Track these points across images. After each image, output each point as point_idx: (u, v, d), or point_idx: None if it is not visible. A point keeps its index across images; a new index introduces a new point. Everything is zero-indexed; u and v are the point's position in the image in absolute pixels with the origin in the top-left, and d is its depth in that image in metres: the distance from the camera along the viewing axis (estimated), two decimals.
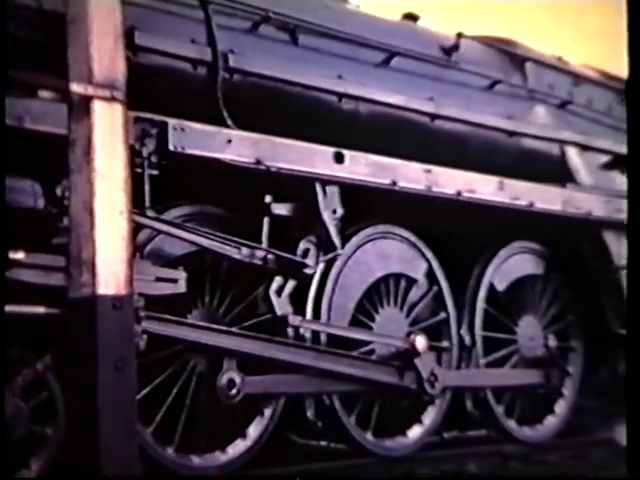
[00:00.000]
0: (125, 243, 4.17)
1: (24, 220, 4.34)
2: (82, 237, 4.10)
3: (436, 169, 6.19)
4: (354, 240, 6.10)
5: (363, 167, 5.81)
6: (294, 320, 5.62)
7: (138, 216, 4.76)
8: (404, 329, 6.26)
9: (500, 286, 6.96)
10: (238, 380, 5.28)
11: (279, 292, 5.60)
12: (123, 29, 4.36)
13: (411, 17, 7.19)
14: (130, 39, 4.88)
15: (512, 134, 6.98)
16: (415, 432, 6.36)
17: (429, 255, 6.52)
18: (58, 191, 4.46)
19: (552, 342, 7.19)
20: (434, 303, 6.58)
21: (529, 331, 7.09)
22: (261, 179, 5.41)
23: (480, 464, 6.41)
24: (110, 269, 4.11)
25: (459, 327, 6.67)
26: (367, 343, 6.03)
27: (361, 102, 6.10)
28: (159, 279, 4.92)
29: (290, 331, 5.63)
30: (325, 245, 5.73)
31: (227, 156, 5.20)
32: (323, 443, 6.63)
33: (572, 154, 7.41)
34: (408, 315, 6.35)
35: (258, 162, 5.31)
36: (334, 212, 5.72)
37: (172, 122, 4.99)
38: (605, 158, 7.70)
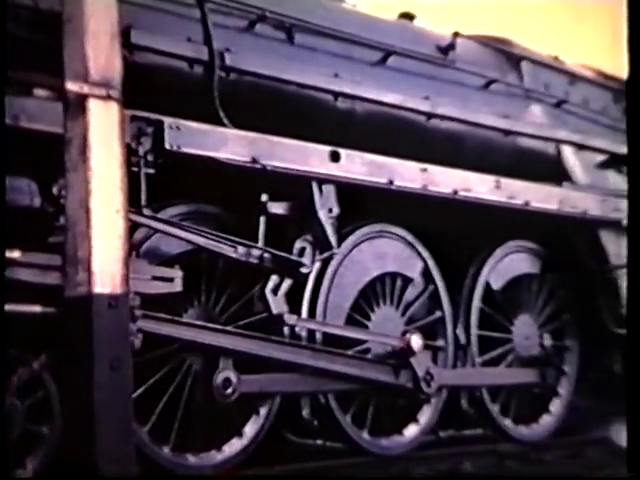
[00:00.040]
0: (121, 242, 4.17)
1: (20, 219, 4.33)
2: (78, 236, 4.10)
3: (432, 168, 6.19)
4: (350, 239, 6.10)
5: (359, 166, 5.81)
6: (290, 319, 5.62)
7: (134, 215, 4.76)
8: (400, 328, 6.26)
9: (496, 285, 6.96)
10: (234, 379, 5.28)
11: (275, 291, 5.60)
12: (119, 28, 4.35)
13: (407, 16, 7.19)
14: (126, 38, 4.87)
15: (508, 133, 6.99)
16: (411, 431, 6.36)
17: (425, 254, 6.52)
18: (54, 190, 4.45)
19: (548, 341, 7.20)
20: (430, 302, 6.59)
21: (525, 330, 7.09)
22: (257, 178, 5.40)
23: (476, 463, 6.42)
24: (106, 268, 4.10)
25: (455, 326, 6.68)
26: (363, 342, 6.03)
27: (357, 101, 6.10)
28: (155, 278, 4.92)
29: (286, 330, 5.62)
30: (321, 244, 5.72)
31: (223, 155, 5.20)
32: (319, 442, 6.63)
33: (568, 153, 7.42)
34: (404, 314, 6.36)
35: (254, 161, 5.31)
36: (330, 211, 5.72)
37: (168, 121, 4.98)
38: (601, 157, 7.71)
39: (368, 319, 6.15)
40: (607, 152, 7.67)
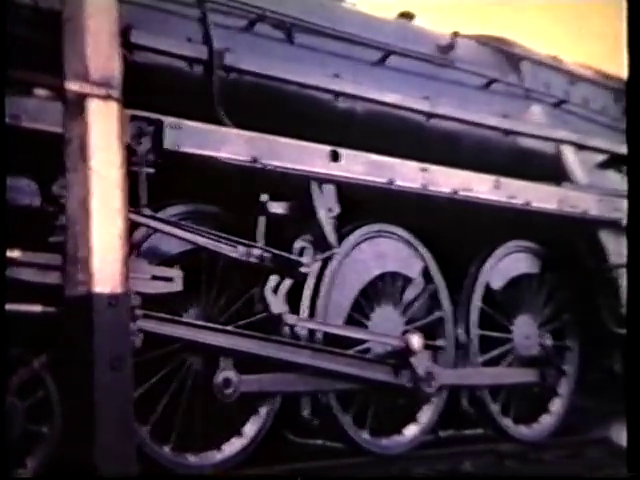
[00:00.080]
0: (121, 241, 4.17)
1: (20, 218, 4.33)
2: (78, 235, 4.10)
3: (432, 168, 6.19)
4: (350, 239, 6.10)
5: (359, 165, 5.81)
6: (290, 319, 5.62)
7: (134, 214, 4.76)
8: (400, 328, 6.26)
9: (496, 285, 6.96)
10: (234, 379, 5.28)
11: (275, 291, 5.60)
12: (119, 27, 4.35)
13: (407, 16, 7.19)
14: (126, 37, 4.88)
15: (508, 133, 6.99)
16: (411, 431, 6.36)
17: (425, 254, 6.52)
18: (54, 189, 4.45)
19: (548, 341, 7.19)
20: (430, 302, 6.58)
21: (525, 330, 7.09)
22: (257, 177, 5.40)
23: (476, 463, 6.41)
24: (106, 267, 4.10)
25: (455, 326, 6.67)
26: (363, 342, 6.03)
27: (357, 101, 6.10)
28: (155, 277, 4.92)
29: (286, 330, 5.63)
30: (321, 244, 5.72)
31: (223, 154, 5.20)
32: (319, 442, 6.63)
33: (568, 153, 7.42)
34: (404, 314, 6.36)
35: (254, 160, 5.31)
36: (330, 211, 5.71)
37: (168, 120, 4.98)
38: (601, 157, 7.71)
39: (368, 319, 6.15)
40: (607, 152, 7.67)
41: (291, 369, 5.57)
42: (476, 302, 6.81)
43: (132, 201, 4.52)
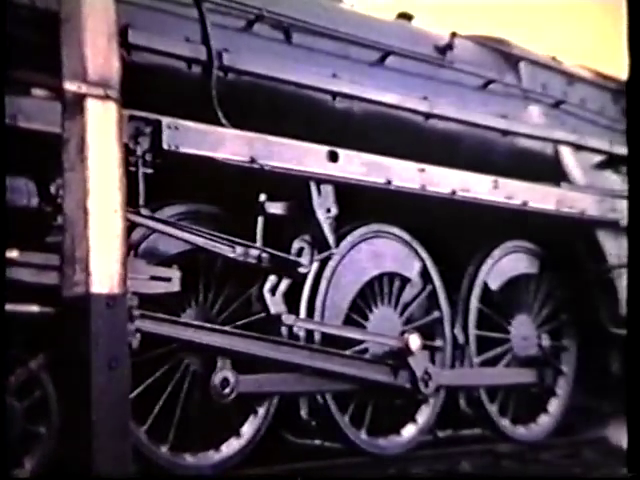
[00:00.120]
0: (119, 242, 4.16)
1: (18, 218, 4.33)
2: (76, 236, 4.09)
3: (430, 168, 6.19)
4: (348, 239, 6.10)
5: (357, 166, 5.81)
6: (288, 319, 5.62)
7: (132, 215, 4.76)
8: (398, 328, 6.26)
9: (494, 285, 6.97)
10: (232, 379, 5.27)
11: (273, 291, 5.60)
12: (117, 27, 4.35)
13: (405, 16, 7.20)
14: (124, 37, 4.87)
15: (506, 133, 7.00)
16: (409, 431, 6.36)
17: (423, 254, 6.52)
18: (52, 189, 4.45)
19: (545, 341, 7.20)
20: (428, 302, 6.59)
21: (523, 330, 7.10)
22: (255, 178, 5.40)
23: (474, 463, 6.42)
24: (104, 268, 4.10)
25: (453, 326, 6.68)
26: (361, 342, 6.03)
27: (355, 101, 6.10)
28: (153, 278, 4.92)
29: (284, 330, 5.63)
30: (319, 244, 5.72)
31: (221, 155, 5.20)
32: (317, 442, 6.63)
33: (566, 153, 7.42)
34: (402, 314, 6.36)
35: (252, 161, 5.30)
36: (328, 211, 5.71)
37: (166, 120, 4.98)
38: (599, 158, 7.72)
39: (366, 319, 6.15)
40: (605, 152, 7.68)
41: (289, 369, 5.57)
42: (474, 302, 6.81)
43: (130, 201, 4.52)
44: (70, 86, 4.14)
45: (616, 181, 7.60)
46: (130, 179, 4.53)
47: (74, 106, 4.14)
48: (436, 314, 6.59)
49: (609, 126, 7.91)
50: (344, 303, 6.01)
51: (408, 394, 6.13)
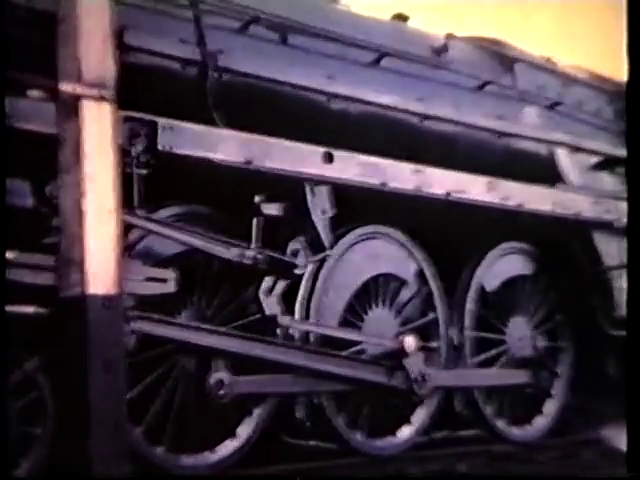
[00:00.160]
0: (115, 243, 4.17)
1: (14, 219, 4.33)
2: (72, 237, 4.10)
3: (426, 169, 6.19)
4: (344, 240, 6.10)
5: (353, 167, 5.80)
6: (283, 320, 5.62)
7: (128, 216, 4.75)
8: (394, 329, 6.26)
9: (489, 287, 6.97)
10: (227, 380, 5.28)
11: (269, 292, 5.60)
12: (113, 28, 4.35)
13: (401, 17, 7.20)
14: (120, 38, 4.86)
15: (502, 135, 6.99)
16: (405, 432, 6.36)
17: (419, 255, 6.52)
18: (48, 191, 4.45)
19: (541, 342, 7.21)
20: (424, 303, 6.59)
21: (518, 331, 7.09)
22: (251, 179, 5.40)
23: (469, 464, 6.41)
24: (100, 269, 4.11)
25: (448, 327, 6.68)
26: (357, 343, 6.03)
27: (351, 102, 6.10)
28: (149, 279, 4.92)
29: (279, 331, 5.63)
30: (315, 245, 5.72)
31: (217, 156, 5.19)
32: (313, 443, 6.62)
33: (562, 155, 7.42)
34: (398, 315, 6.36)
35: (248, 162, 5.30)
36: (324, 212, 5.71)
37: (161, 122, 4.97)
38: (595, 159, 7.72)
39: (362, 320, 6.15)
40: (601, 154, 7.68)
41: (285, 370, 5.57)
42: (470, 304, 6.82)
43: (126, 202, 4.52)
44: (65, 87, 4.14)
45: (612, 183, 7.61)
46: (126, 180, 4.53)
47: (69, 107, 4.15)
48: (432, 315, 6.59)
49: (605, 127, 7.92)
50: (340, 304, 6.01)
51: (404, 395, 6.13)
